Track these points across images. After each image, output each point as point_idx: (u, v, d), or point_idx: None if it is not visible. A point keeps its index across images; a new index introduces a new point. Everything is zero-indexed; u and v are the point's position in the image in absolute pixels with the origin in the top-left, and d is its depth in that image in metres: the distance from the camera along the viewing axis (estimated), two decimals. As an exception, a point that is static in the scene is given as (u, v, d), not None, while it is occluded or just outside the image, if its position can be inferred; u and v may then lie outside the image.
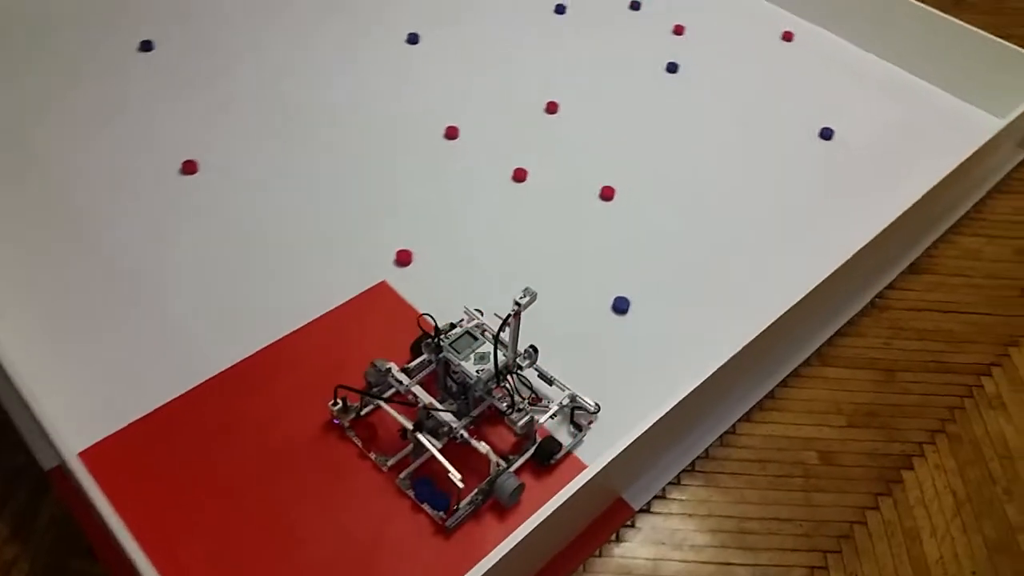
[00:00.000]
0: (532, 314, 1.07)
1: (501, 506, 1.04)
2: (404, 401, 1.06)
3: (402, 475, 1.06)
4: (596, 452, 1.07)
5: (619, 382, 1.33)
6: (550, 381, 1.14)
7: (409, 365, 1.12)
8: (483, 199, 1.58)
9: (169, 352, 1.32)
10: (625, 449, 1.06)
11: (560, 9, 1.97)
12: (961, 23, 1.91)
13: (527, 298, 0.96)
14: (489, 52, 1.84)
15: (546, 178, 1.62)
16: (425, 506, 1.04)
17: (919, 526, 1.38)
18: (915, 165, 1.74)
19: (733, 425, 1.44)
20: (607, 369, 1.35)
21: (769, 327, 1.27)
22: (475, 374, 1.03)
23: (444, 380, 1.08)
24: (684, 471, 1.36)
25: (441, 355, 1.04)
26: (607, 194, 1.58)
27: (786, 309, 1.30)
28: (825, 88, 1.88)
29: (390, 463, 1.08)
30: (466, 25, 1.91)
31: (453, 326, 1.10)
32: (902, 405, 1.53)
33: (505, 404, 1.04)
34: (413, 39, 1.86)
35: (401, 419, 1.07)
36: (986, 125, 1.77)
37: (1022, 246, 1.82)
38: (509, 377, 1.05)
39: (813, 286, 1.34)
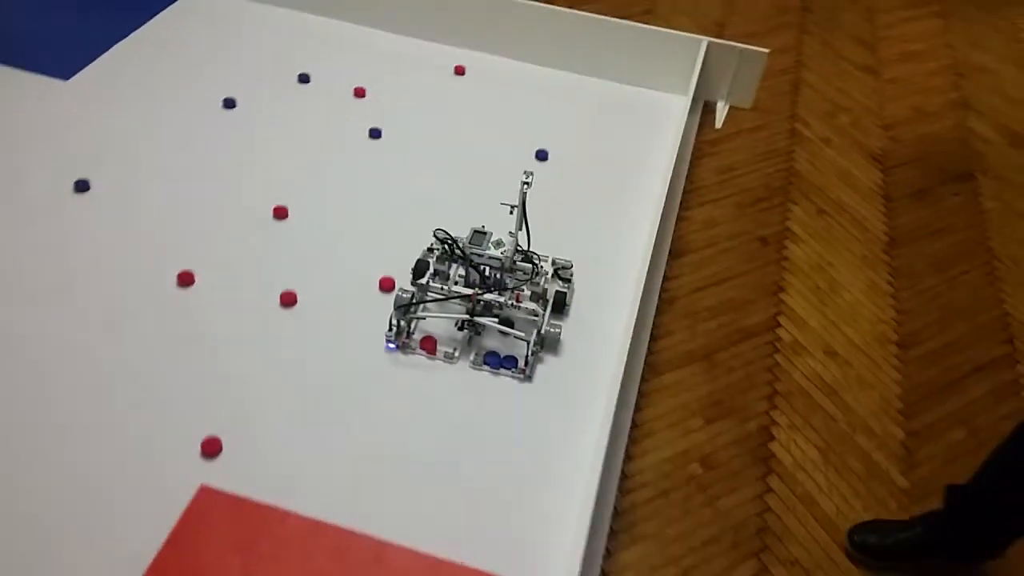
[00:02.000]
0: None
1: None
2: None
3: (472, 358, 1.21)
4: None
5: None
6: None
7: (423, 280, 1.24)
8: (246, 331, 1.32)
9: None
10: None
11: (229, 103, 1.73)
12: (612, 19, 2.02)
13: (530, 177, 1.14)
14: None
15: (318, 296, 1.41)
16: (501, 371, 1.21)
17: (807, 489, 1.45)
18: (634, 160, 1.78)
19: (622, 470, 1.38)
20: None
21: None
22: (501, 255, 1.22)
23: (470, 275, 1.25)
24: (608, 538, 1.28)
25: (466, 254, 1.22)
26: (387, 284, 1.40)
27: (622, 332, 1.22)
28: (518, 110, 1.85)
29: (456, 354, 1.22)
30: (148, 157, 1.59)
31: (431, 249, 1.26)
32: (734, 383, 1.59)
33: (521, 273, 1.25)
34: (82, 186, 1.52)
35: (451, 316, 1.22)
36: (674, 103, 1.88)
37: (739, 200, 2.00)
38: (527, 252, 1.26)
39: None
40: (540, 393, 1.20)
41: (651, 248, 1.36)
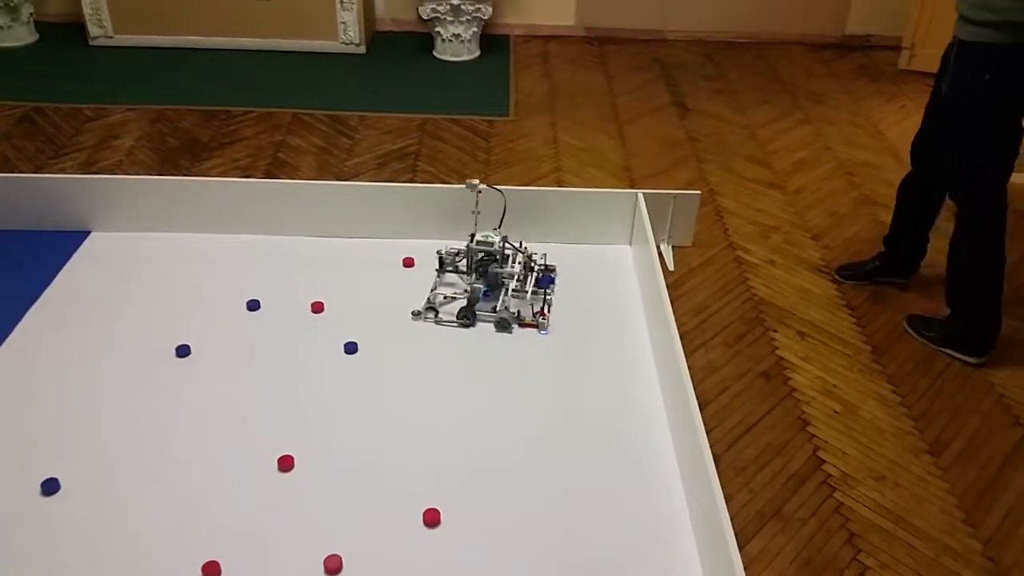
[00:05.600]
0: None
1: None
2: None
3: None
4: None
5: None
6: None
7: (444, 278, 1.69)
8: None
9: None
10: None
11: (183, 351, 1.59)
12: (552, 189, 2.02)
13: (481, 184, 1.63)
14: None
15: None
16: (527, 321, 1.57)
17: None
18: (615, 318, 1.74)
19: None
20: None
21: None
22: (499, 244, 1.64)
23: (477, 267, 1.66)
24: None
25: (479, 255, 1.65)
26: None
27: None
28: None
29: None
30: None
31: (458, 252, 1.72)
32: (812, 535, 1.54)
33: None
34: (50, 487, 1.30)
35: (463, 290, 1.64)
36: (623, 253, 1.96)
37: (725, 340, 1.99)
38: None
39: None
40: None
41: (696, 413, 1.33)
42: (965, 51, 1.82)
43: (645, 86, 3.39)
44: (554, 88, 3.35)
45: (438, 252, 1.73)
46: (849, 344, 2.01)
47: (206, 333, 1.59)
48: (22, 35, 3.54)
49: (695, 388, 1.37)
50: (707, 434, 1.28)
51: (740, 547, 1.50)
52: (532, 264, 1.74)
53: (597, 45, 3.79)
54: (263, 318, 1.66)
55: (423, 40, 3.68)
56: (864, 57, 3.74)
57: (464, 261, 1.72)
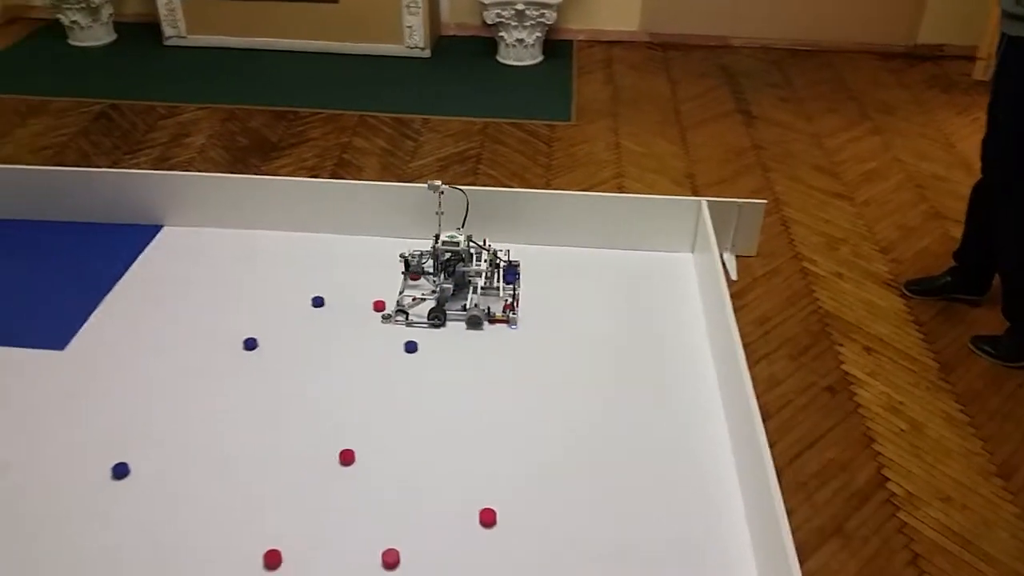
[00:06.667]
0: None
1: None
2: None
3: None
4: None
5: None
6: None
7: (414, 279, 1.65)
8: None
9: None
10: None
11: (250, 344, 1.62)
12: (614, 195, 2.00)
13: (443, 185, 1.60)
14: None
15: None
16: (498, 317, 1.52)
17: None
18: (674, 327, 1.72)
19: None
20: None
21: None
22: (464, 244, 1.60)
23: (444, 267, 1.61)
24: None
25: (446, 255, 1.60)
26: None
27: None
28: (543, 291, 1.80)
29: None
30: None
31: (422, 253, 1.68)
32: (874, 554, 1.51)
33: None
34: (120, 471, 1.34)
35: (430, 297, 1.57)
36: (684, 261, 1.89)
37: (789, 352, 1.96)
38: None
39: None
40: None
41: (759, 424, 1.30)
42: (1009, 45, 1.84)
43: (709, 92, 3.36)
44: (617, 93, 3.34)
45: (401, 255, 1.73)
46: (916, 361, 1.96)
47: (272, 327, 1.61)
48: (101, 35, 3.66)
49: (757, 400, 1.35)
50: (769, 447, 1.26)
51: (800, 562, 1.48)
52: (497, 261, 1.73)
53: (661, 51, 3.77)
54: (327, 315, 1.69)
55: (486, 44, 3.70)
56: (936, 67, 3.65)
57: (430, 262, 1.72)
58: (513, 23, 3.50)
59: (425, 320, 1.63)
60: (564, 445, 1.41)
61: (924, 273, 2.23)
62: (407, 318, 1.64)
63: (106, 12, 3.64)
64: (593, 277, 1.83)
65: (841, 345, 2.00)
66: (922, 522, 1.57)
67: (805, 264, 2.30)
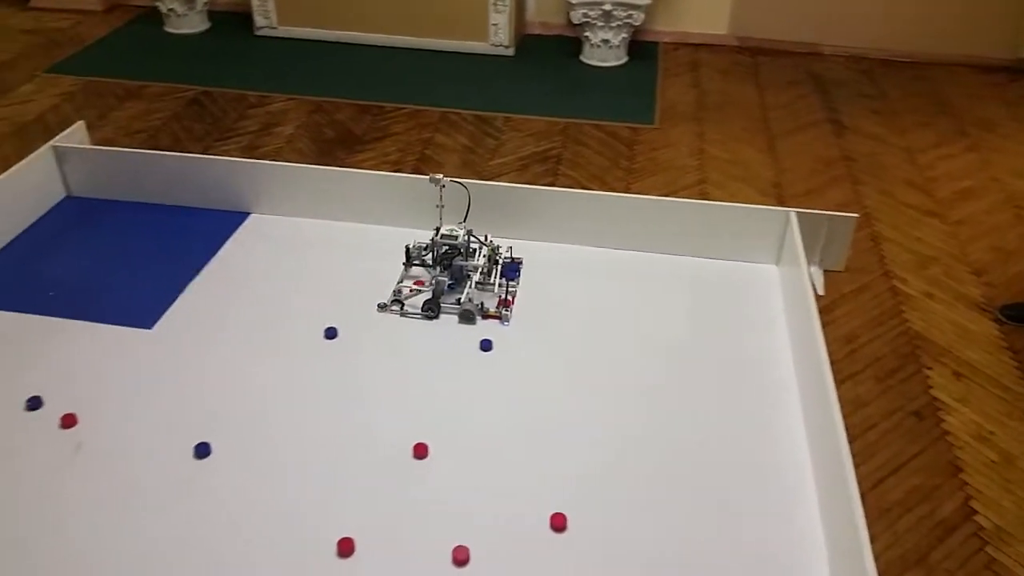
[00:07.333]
0: None
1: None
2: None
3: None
4: None
5: None
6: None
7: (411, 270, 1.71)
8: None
9: None
10: None
11: (331, 333, 1.68)
12: (697, 202, 1.96)
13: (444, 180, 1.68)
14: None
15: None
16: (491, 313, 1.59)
17: None
18: (754, 338, 1.68)
19: None
20: None
21: None
22: (464, 238, 1.66)
23: (441, 260, 1.67)
24: None
25: (443, 248, 1.67)
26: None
27: None
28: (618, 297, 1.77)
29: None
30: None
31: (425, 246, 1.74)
32: None
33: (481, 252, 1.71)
34: (202, 451, 1.37)
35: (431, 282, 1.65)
36: (769, 273, 1.87)
37: (876, 373, 1.90)
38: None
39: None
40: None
41: (845, 446, 1.27)
42: None
43: (798, 100, 3.28)
44: (702, 98, 3.29)
45: (406, 246, 1.76)
46: (1009, 390, 1.88)
47: (352, 318, 1.63)
48: (196, 23, 3.76)
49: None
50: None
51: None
52: (497, 257, 1.75)
53: (749, 56, 3.70)
54: (406, 308, 1.70)
55: (570, 44, 3.68)
56: (1040, 83, 3.50)
57: (430, 255, 1.75)
58: (599, 23, 3.47)
59: (419, 311, 1.65)
60: (637, 454, 1.39)
61: (1020, 298, 2.13)
62: (402, 308, 1.66)
63: (201, 1, 3.73)
64: (667, 283, 1.81)
65: (930, 368, 1.93)
66: (1012, 559, 1.50)
67: (895, 283, 2.22)
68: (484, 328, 1.61)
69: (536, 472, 1.34)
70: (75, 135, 2.05)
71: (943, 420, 1.79)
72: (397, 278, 1.71)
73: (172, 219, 1.92)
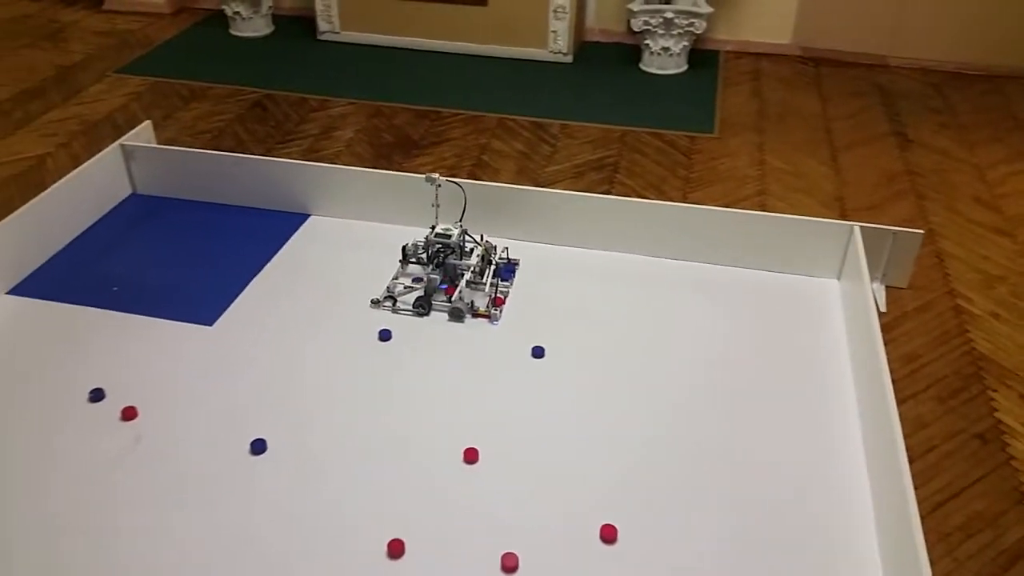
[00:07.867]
0: None
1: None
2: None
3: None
4: None
5: None
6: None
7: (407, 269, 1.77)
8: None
9: None
10: None
11: (385, 335, 1.68)
12: (757, 213, 1.93)
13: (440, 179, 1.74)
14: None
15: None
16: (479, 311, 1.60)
17: None
18: (813, 356, 1.65)
19: None
20: None
21: None
22: (457, 237, 1.70)
23: (435, 258, 1.71)
24: None
25: (436, 247, 1.71)
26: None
27: None
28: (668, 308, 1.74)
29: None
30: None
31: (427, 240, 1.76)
32: None
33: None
34: (258, 447, 1.38)
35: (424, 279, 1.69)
36: (829, 288, 1.85)
37: (938, 394, 1.84)
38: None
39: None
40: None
41: (905, 466, 1.24)
42: None
43: (863, 112, 3.21)
44: (763, 108, 3.24)
45: (404, 245, 1.80)
46: (1081, 416, 1.81)
47: (405, 320, 1.65)
48: (260, 26, 3.83)
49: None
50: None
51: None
52: (491, 257, 1.75)
53: (813, 66, 3.63)
54: (398, 304, 1.75)
55: (630, 52, 3.66)
56: (1119, 98, 3.37)
57: (425, 253, 1.78)
58: (660, 31, 3.45)
59: (411, 308, 1.69)
60: (688, 468, 1.37)
61: (1094, 321, 2.06)
62: (394, 304, 1.69)
63: (266, 4, 3.80)
64: (729, 294, 1.78)
65: (995, 391, 1.86)
66: (1079, 592, 1.44)
67: (960, 301, 2.15)
68: (536, 334, 1.61)
69: (587, 480, 1.33)
70: (142, 134, 2.11)
71: (1008, 444, 1.73)
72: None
73: (234, 219, 1.96)
